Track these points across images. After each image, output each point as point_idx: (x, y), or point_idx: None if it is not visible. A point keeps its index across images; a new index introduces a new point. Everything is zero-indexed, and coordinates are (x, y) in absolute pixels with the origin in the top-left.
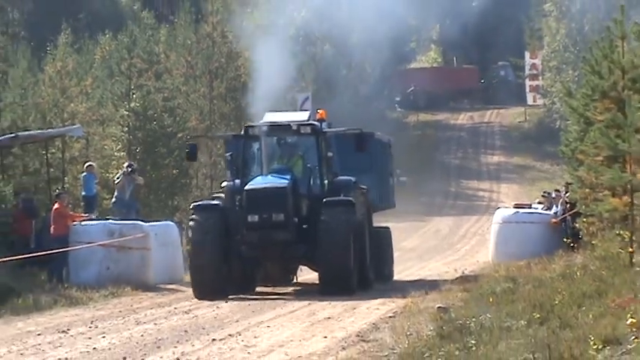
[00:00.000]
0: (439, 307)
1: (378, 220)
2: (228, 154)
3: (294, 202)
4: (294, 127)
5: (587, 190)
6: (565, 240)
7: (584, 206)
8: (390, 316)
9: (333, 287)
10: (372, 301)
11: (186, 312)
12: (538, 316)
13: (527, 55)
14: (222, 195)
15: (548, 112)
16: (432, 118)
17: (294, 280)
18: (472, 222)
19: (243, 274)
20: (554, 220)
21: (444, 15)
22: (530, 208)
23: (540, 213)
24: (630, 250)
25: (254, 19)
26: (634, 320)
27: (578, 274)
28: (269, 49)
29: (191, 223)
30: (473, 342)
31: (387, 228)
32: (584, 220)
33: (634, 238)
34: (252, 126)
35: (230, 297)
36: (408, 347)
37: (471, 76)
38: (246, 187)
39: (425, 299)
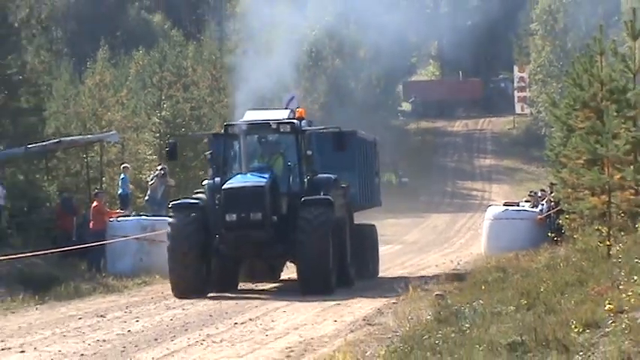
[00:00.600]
0: (437, 295)
1: (381, 216)
2: (208, 153)
3: (273, 201)
4: (274, 126)
5: (569, 189)
6: (549, 234)
7: (566, 204)
8: (394, 302)
9: (311, 286)
10: (377, 290)
11: (210, 298)
12: (525, 302)
13: (515, 69)
14: (203, 194)
15: (535, 120)
16: (431, 125)
17: (280, 277)
18: (466, 218)
19: (224, 271)
20: (539, 216)
21: (442, 33)
22: (519, 206)
23: (527, 210)
24: (608, 243)
25: (271, 36)
26: (611, 306)
27: (561, 265)
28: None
29: (169, 222)
30: (467, 325)
31: (373, 225)
32: (567, 216)
33: (611, 232)
34: (232, 124)
35: (210, 295)
36: (409, 330)
37: (475, 87)
38: (224, 186)
39: (424, 287)
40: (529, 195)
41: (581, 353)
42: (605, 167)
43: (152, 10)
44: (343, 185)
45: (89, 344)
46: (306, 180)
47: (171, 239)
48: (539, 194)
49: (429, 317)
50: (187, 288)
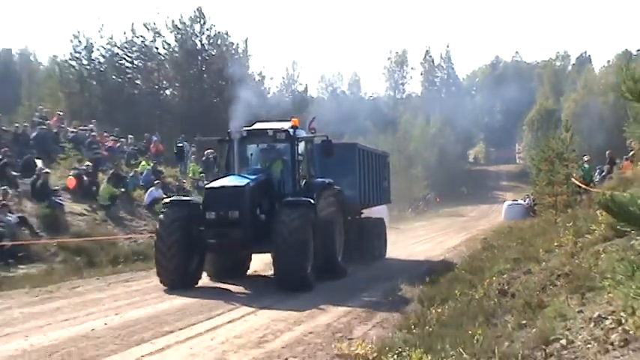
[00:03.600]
0: (483, 238)
1: (460, 206)
2: (211, 156)
3: (258, 201)
4: (270, 134)
5: (539, 195)
6: (531, 214)
7: (538, 201)
8: (463, 241)
9: (287, 284)
10: (458, 235)
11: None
12: (520, 241)
13: (517, 144)
14: None
15: (525, 165)
16: (481, 167)
17: None
18: (496, 206)
19: (236, 262)
20: (527, 206)
21: (486, 128)
22: (518, 201)
23: (521, 203)
24: (555, 217)
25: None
26: (557, 243)
27: (535, 226)
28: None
29: (160, 217)
30: (495, 251)
31: (382, 219)
32: (538, 206)
33: (557, 213)
34: (235, 132)
35: (198, 286)
36: (472, 253)
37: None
38: (207, 186)
39: (478, 235)
40: (526, 196)
41: (544, 262)
42: (555, 186)
43: None
44: (337, 188)
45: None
46: (303, 183)
47: (158, 233)
48: (527, 196)
49: (479, 247)
50: (171, 280)
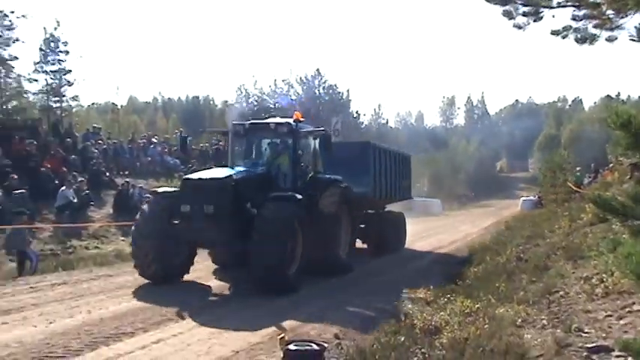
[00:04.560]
0: (506, 222)
1: (494, 199)
2: (213, 147)
3: (251, 195)
4: (272, 127)
5: (545, 193)
6: (539, 206)
7: (544, 197)
8: (492, 224)
9: (263, 285)
10: (485, 220)
11: None
12: (531, 224)
13: (529, 158)
14: None
15: (535, 173)
16: (505, 174)
17: None
18: (515, 201)
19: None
20: (536, 200)
21: (509, 147)
22: (530, 197)
23: (532, 199)
24: (556, 208)
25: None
26: (557, 226)
27: (542, 214)
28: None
29: (142, 207)
30: (514, 231)
31: (401, 213)
32: (544, 200)
33: (557, 205)
34: (237, 124)
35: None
36: (498, 231)
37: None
38: (184, 177)
39: (502, 220)
40: (536, 194)
41: (548, 239)
42: (556, 187)
43: None
44: (343, 185)
45: None
46: (308, 178)
47: (136, 224)
48: (536, 194)
49: (503, 228)
50: (147, 273)
